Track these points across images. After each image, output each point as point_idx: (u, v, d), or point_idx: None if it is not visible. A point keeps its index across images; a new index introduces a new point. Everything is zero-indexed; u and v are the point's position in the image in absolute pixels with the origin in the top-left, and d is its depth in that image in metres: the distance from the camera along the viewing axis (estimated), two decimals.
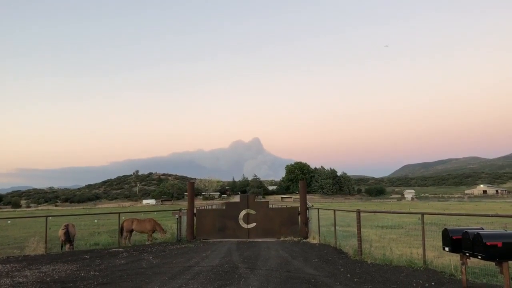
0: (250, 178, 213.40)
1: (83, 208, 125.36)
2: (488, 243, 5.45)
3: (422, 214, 11.06)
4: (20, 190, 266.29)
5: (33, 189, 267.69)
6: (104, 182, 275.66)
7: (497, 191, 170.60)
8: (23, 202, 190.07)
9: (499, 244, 5.42)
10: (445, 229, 6.37)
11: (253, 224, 18.97)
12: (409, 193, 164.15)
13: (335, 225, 15.37)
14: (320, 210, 17.81)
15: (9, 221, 40.37)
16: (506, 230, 5.91)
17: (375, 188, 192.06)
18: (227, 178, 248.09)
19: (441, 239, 7.80)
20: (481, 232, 5.65)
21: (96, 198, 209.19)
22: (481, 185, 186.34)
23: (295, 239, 17.93)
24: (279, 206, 28.76)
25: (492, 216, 11.20)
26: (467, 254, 5.94)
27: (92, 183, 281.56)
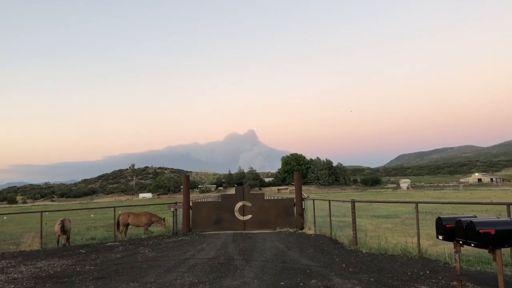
0: (246, 170, 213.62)
1: (80, 203, 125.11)
2: (481, 231, 5.43)
3: (416, 203, 11.09)
4: (15, 186, 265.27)
5: (29, 184, 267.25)
6: (100, 177, 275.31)
7: (492, 179, 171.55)
8: (19, 198, 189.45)
9: (492, 232, 5.40)
10: (439, 217, 6.35)
11: (249, 216, 18.99)
12: (404, 183, 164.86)
13: (330, 215, 15.41)
14: (315, 201, 17.83)
15: (5, 217, 40.27)
16: (499, 218, 5.89)
17: (370, 178, 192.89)
18: (223, 170, 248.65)
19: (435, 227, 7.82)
20: (474, 220, 5.62)
21: (92, 192, 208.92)
22: (476, 174, 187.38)
23: (291, 230, 17.97)
24: (275, 198, 28.77)
25: (486, 204, 11.28)
26: (461, 242, 5.92)
27: (88, 177, 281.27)
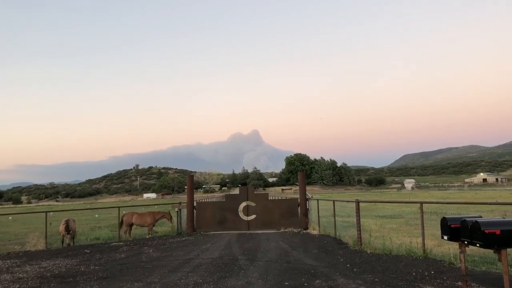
0: (250, 171, 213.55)
1: (84, 203, 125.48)
2: (486, 231, 5.41)
3: (421, 203, 11.05)
4: (20, 186, 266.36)
5: (34, 185, 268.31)
6: (105, 177, 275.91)
7: (497, 179, 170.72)
8: (24, 198, 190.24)
9: (498, 232, 5.38)
10: (444, 217, 6.33)
11: (253, 216, 18.97)
12: (409, 183, 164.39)
13: (334, 215, 15.37)
14: (319, 201, 17.80)
15: (10, 217, 40.46)
16: (504, 218, 5.87)
17: (375, 178, 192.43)
18: (227, 171, 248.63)
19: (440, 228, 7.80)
20: (479, 220, 5.60)
21: (96, 193, 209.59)
22: (481, 174, 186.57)
23: (295, 230, 17.94)
24: (279, 198, 28.76)
25: (491, 204, 11.24)
26: (466, 242, 5.91)
27: (92, 178, 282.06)
